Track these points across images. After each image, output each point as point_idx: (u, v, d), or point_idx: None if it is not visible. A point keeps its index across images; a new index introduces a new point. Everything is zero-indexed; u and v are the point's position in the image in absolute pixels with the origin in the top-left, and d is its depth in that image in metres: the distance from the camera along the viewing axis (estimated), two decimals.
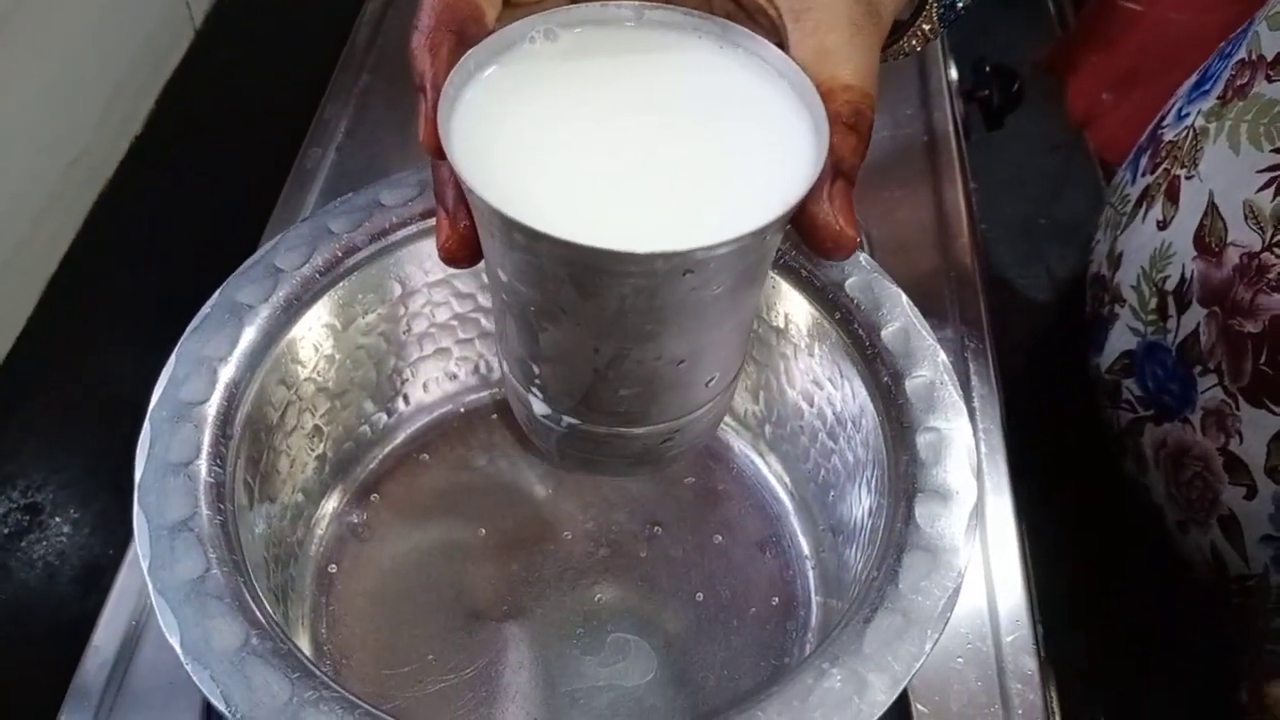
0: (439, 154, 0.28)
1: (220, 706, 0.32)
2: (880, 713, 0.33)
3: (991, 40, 0.82)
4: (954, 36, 0.74)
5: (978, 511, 0.38)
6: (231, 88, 0.69)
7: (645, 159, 0.30)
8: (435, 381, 0.51)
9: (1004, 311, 0.61)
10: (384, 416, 0.51)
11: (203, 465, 0.38)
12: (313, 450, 0.47)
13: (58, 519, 0.52)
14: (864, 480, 0.43)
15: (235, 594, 0.35)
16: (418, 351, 0.50)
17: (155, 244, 0.61)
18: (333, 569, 0.47)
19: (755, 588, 0.48)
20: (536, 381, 0.34)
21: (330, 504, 0.49)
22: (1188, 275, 0.48)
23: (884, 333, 0.42)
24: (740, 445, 0.52)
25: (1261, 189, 0.44)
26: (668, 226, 0.28)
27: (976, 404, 0.55)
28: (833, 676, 0.33)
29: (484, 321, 0.50)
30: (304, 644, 0.45)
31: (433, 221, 0.42)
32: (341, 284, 0.45)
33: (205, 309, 0.42)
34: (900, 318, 0.42)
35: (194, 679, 0.33)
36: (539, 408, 0.35)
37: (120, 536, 0.49)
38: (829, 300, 0.43)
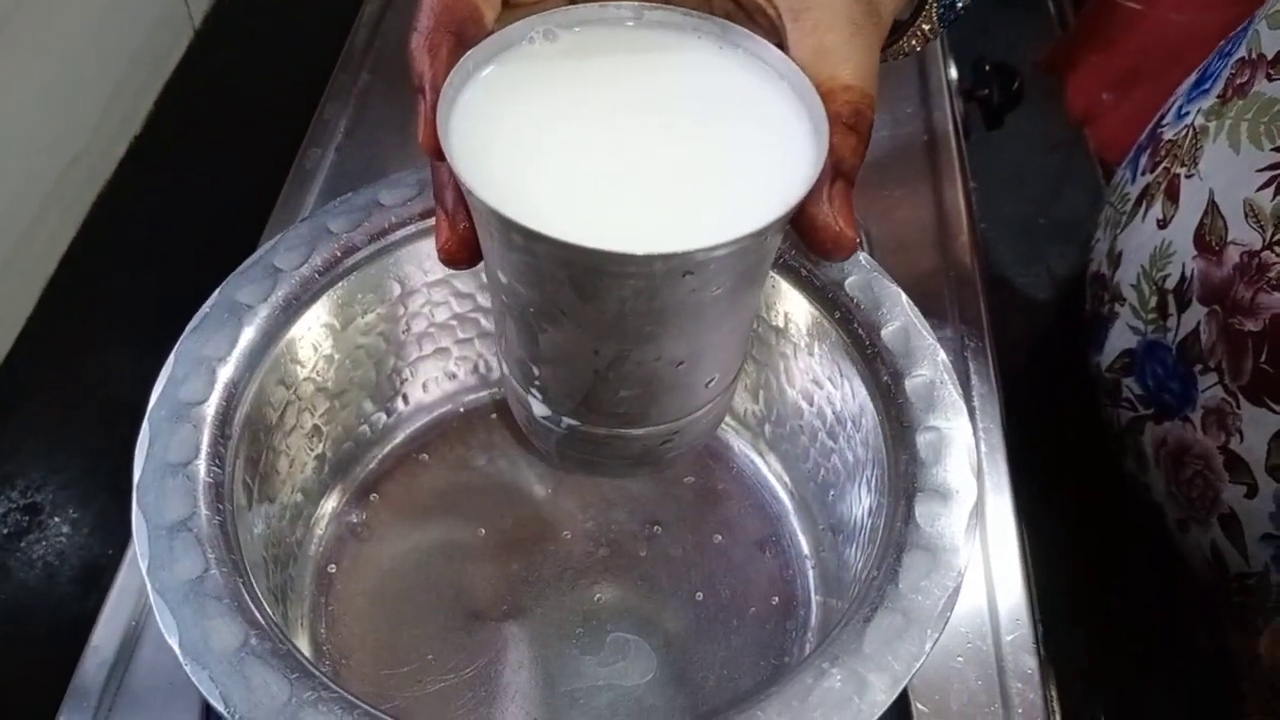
0: (438, 155, 0.28)
1: (219, 707, 0.32)
2: (880, 712, 0.33)
3: (991, 39, 0.82)
4: (954, 35, 0.74)
5: (978, 511, 0.38)
6: (231, 88, 0.69)
7: (644, 159, 0.30)
8: (434, 381, 0.51)
9: (1004, 310, 0.61)
10: (383, 416, 0.51)
11: (201, 465, 0.38)
12: (312, 450, 0.47)
13: (57, 519, 0.52)
14: (864, 479, 0.43)
15: (234, 594, 0.35)
16: (417, 351, 0.50)
17: (154, 244, 0.61)
18: (332, 569, 0.47)
19: (755, 587, 0.48)
20: (536, 383, 0.34)
21: (329, 504, 0.49)
22: (1188, 274, 0.48)
23: (884, 332, 0.42)
24: (740, 444, 0.52)
25: (1262, 188, 0.44)
26: (667, 227, 0.28)
27: (976, 403, 0.54)
28: (833, 676, 0.33)
29: (483, 321, 0.50)
30: (303, 644, 0.45)
31: (432, 221, 0.42)
32: (341, 284, 0.45)
33: (204, 309, 0.42)
34: (900, 317, 0.42)
35: (193, 680, 0.33)
36: (539, 409, 0.35)
37: (119, 536, 0.49)
38: (829, 299, 0.43)
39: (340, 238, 0.44)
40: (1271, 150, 0.44)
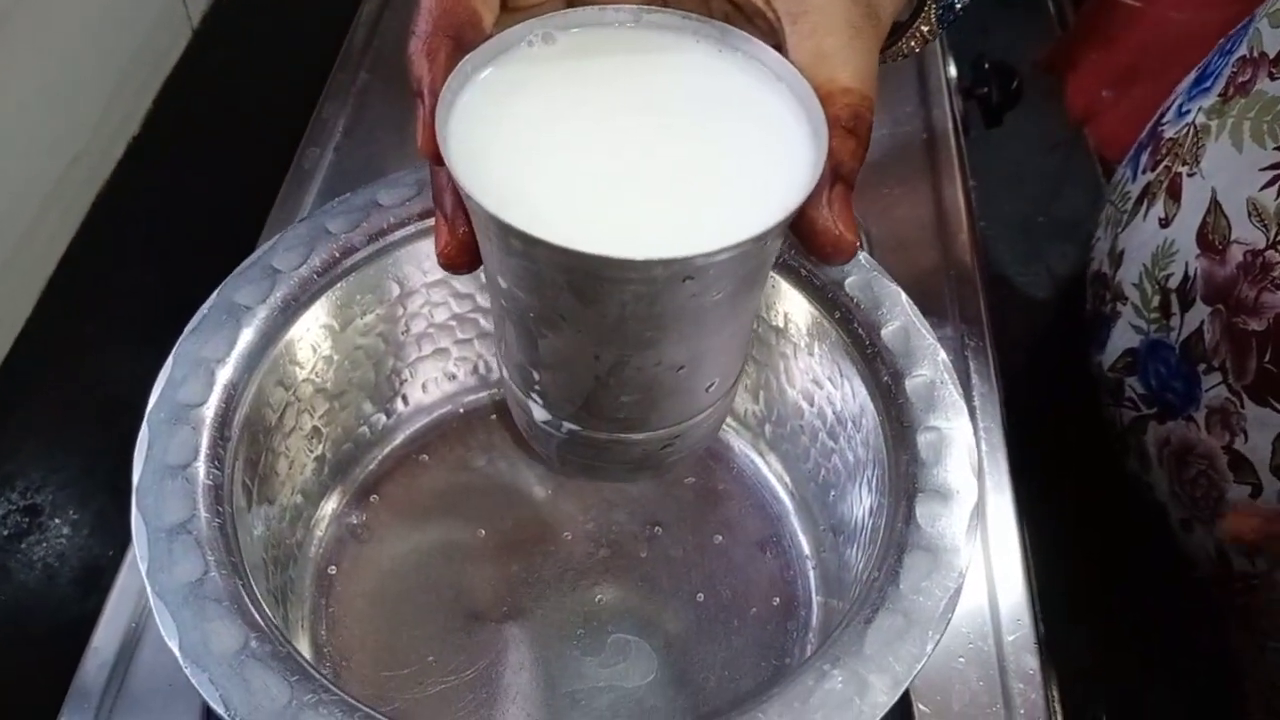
0: (437, 160, 0.28)
1: (219, 710, 0.32)
2: (882, 714, 0.33)
3: (991, 38, 0.82)
4: (953, 34, 0.74)
5: (978, 511, 0.37)
6: (229, 88, 0.69)
7: (643, 161, 0.29)
8: (434, 382, 0.51)
9: (1004, 309, 0.61)
10: (383, 417, 0.50)
11: (201, 467, 0.38)
12: (311, 451, 0.47)
13: (57, 520, 0.52)
14: (864, 480, 0.43)
15: (234, 596, 0.35)
16: (416, 352, 0.50)
17: (153, 244, 0.61)
18: (332, 570, 0.47)
19: (756, 588, 0.47)
20: (536, 388, 0.34)
21: (329, 505, 0.49)
22: (1191, 273, 0.48)
23: (884, 331, 0.42)
24: (740, 445, 0.51)
25: (1265, 186, 0.44)
26: (666, 229, 0.28)
27: (977, 402, 0.54)
28: (834, 678, 0.33)
29: (483, 322, 0.50)
30: (303, 646, 0.45)
31: (431, 221, 0.42)
32: (339, 284, 0.44)
33: (203, 310, 0.42)
34: (900, 316, 0.42)
35: (193, 682, 0.33)
36: (539, 414, 0.35)
37: (119, 537, 0.49)
38: (829, 299, 0.43)
39: (339, 238, 0.44)
40: (1274, 149, 0.44)
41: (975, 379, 0.55)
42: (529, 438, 0.38)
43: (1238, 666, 0.52)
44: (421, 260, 0.46)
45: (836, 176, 0.29)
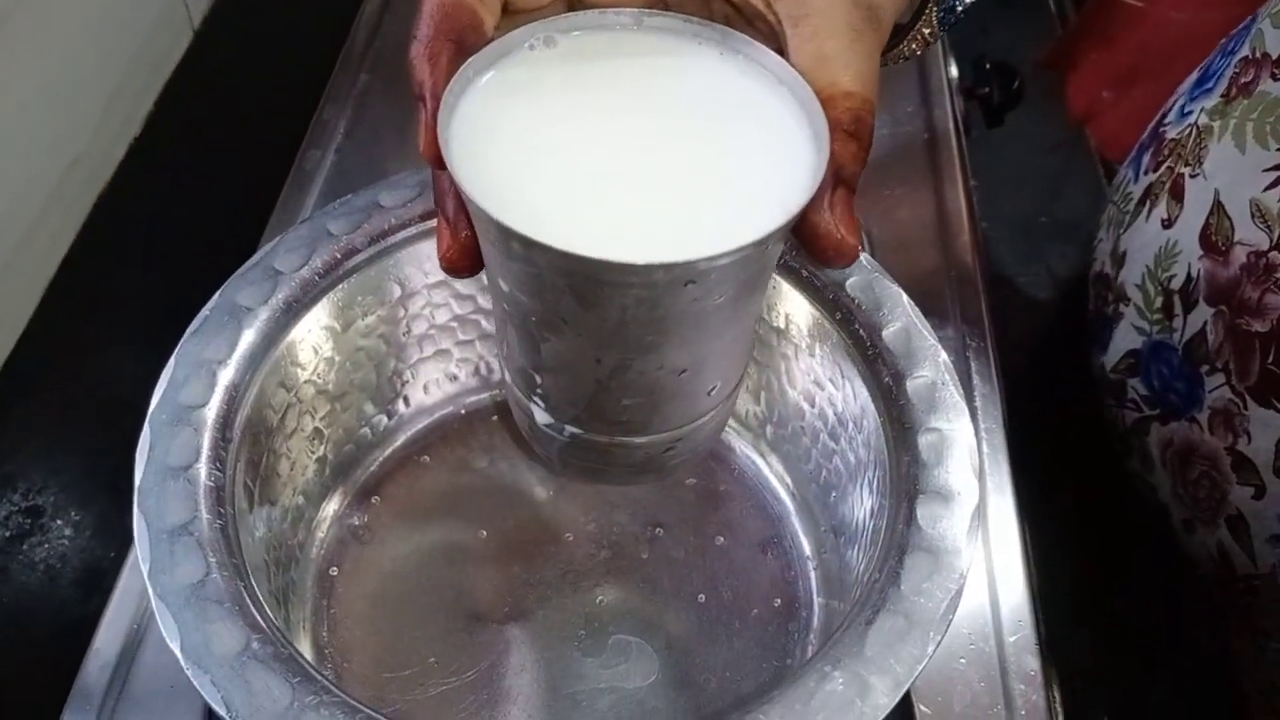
0: (439, 164, 0.28)
1: (221, 711, 0.32)
2: (883, 715, 0.33)
3: (992, 38, 0.82)
4: (954, 34, 0.74)
5: (980, 512, 0.37)
6: (230, 89, 0.69)
7: (645, 164, 0.29)
8: (435, 383, 0.51)
9: (1005, 310, 0.60)
10: (384, 419, 0.50)
11: (202, 469, 0.38)
12: (313, 453, 0.47)
13: (59, 521, 0.52)
14: (865, 481, 0.43)
15: (236, 598, 0.35)
16: (418, 353, 0.50)
17: (154, 245, 0.61)
18: (333, 572, 0.47)
19: (757, 589, 0.47)
20: (538, 391, 0.34)
21: (331, 507, 0.49)
22: (1194, 274, 0.48)
23: (885, 333, 0.42)
24: (741, 446, 0.51)
25: (1268, 188, 0.44)
26: (668, 232, 0.28)
27: (978, 403, 0.54)
28: (835, 679, 0.33)
29: (484, 323, 0.50)
30: (305, 647, 0.45)
31: (432, 223, 0.42)
32: (341, 286, 0.44)
33: (204, 311, 0.42)
34: (901, 317, 0.42)
35: (195, 684, 0.33)
36: (541, 417, 0.35)
37: (121, 539, 0.49)
38: (830, 300, 0.43)
39: (340, 239, 0.44)
40: (1277, 150, 0.44)
41: (977, 380, 0.55)
42: (531, 441, 0.38)
43: (1238, 667, 0.52)
44: (423, 261, 0.46)
45: (838, 180, 0.29)
